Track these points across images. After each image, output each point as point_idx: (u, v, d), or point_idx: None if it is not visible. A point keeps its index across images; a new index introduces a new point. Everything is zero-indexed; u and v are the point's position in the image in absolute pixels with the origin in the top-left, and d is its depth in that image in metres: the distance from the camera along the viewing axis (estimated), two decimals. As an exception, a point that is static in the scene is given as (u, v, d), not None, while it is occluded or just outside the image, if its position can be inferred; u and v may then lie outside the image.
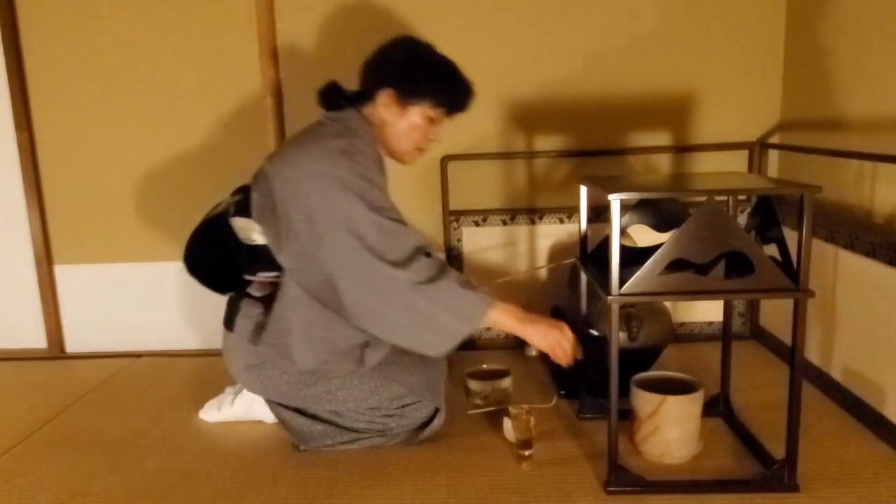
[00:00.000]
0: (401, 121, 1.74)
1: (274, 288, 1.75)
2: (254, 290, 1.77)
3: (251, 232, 1.74)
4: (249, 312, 1.77)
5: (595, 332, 1.94)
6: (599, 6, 2.33)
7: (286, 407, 1.80)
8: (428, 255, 1.62)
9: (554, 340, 1.62)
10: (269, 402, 1.83)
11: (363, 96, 1.76)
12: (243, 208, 1.75)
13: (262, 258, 1.74)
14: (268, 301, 1.76)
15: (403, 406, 1.78)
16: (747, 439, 1.72)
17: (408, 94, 1.72)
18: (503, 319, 1.64)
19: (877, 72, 1.82)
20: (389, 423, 1.78)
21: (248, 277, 1.77)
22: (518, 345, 2.45)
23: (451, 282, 1.59)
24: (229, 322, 1.80)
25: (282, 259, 1.69)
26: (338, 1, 2.36)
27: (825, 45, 2.08)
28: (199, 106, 2.44)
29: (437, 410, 1.80)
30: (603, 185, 1.52)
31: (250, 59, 2.38)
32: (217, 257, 1.79)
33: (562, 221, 2.43)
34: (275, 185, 1.66)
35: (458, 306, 1.59)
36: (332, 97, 1.77)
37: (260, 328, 1.75)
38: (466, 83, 1.77)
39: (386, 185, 1.75)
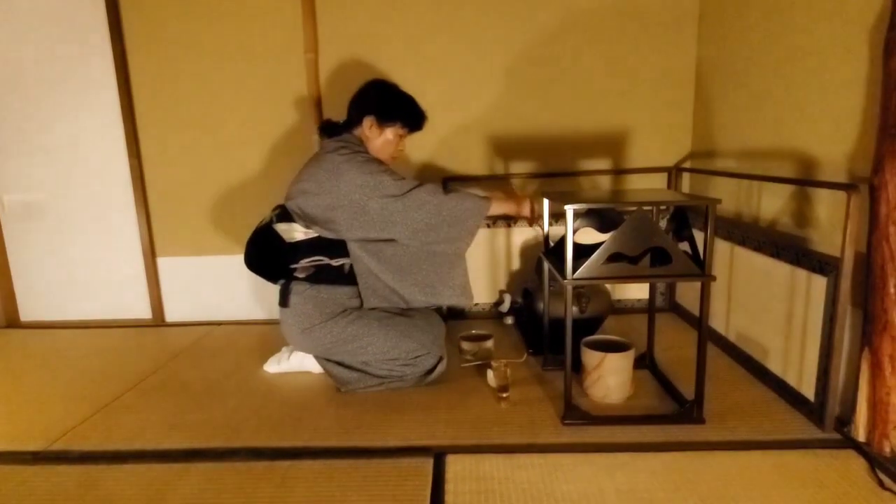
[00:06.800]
0: (379, 138, 1.82)
1: (315, 270, 1.77)
2: (299, 274, 1.78)
3: (293, 233, 1.78)
4: (299, 290, 1.78)
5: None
6: (558, 66, 2.31)
7: (329, 360, 1.80)
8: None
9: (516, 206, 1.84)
10: (317, 356, 1.83)
11: (353, 122, 1.84)
12: (282, 218, 1.80)
13: (303, 250, 1.77)
14: (312, 280, 1.78)
15: (416, 357, 1.77)
16: (666, 385, 1.72)
17: (384, 119, 1.80)
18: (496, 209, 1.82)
19: (758, 116, 1.82)
20: (405, 370, 1.77)
21: (293, 266, 1.78)
22: (498, 315, 2.44)
23: (455, 195, 1.75)
24: (284, 301, 1.80)
25: (350, 237, 1.76)
26: (368, 70, 2.34)
27: (721, 98, 2.07)
28: (262, 145, 2.41)
29: (440, 359, 1.80)
30: (560, 198, 1.51)
31: (303, 108, 2.36)
32: (267, 255, 1.81)
33: (530, 225, 2.42)
34: (321, 198, 1.72)
35: (472, 204, 1.76)
36: (332, 128, 1.87)
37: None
38: (421, 111, 1.85)
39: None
